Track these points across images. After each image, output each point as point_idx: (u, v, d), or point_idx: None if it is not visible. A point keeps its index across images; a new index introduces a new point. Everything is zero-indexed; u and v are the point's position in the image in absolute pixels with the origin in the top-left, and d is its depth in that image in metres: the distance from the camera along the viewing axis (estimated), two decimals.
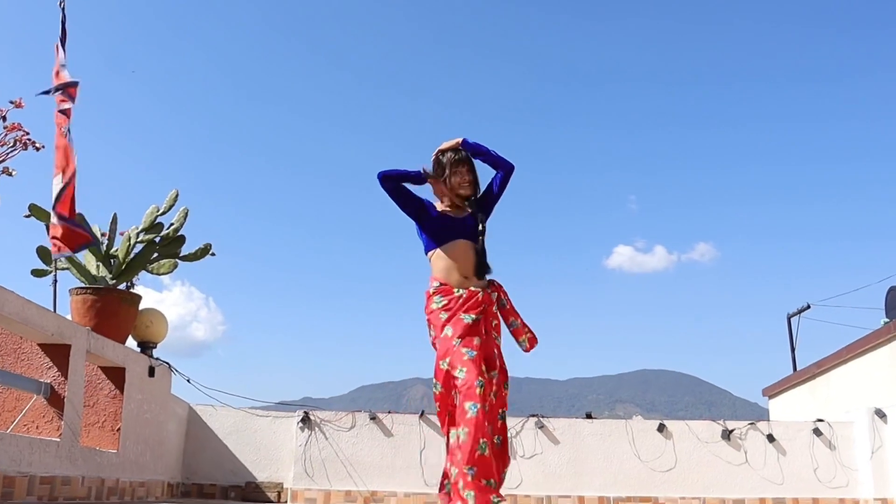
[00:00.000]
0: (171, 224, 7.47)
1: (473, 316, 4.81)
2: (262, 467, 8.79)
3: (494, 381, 4.80)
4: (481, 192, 5.12)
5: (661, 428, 9.02)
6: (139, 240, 7.28)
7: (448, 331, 4.78)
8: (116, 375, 6.65)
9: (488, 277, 5.02)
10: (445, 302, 4.89)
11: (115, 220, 7.32)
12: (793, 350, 19.97)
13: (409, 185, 5.07)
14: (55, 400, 5.59)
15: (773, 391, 16.14)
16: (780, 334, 20.64)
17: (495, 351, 4.90)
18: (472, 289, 4.89)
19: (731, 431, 8.98)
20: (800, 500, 8.75)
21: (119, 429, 6.53)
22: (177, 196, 7.51)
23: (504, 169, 5.08)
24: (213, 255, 7.66)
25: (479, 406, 4.46)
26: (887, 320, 12.67)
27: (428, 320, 4.96)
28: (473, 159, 5.09)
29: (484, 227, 5.02)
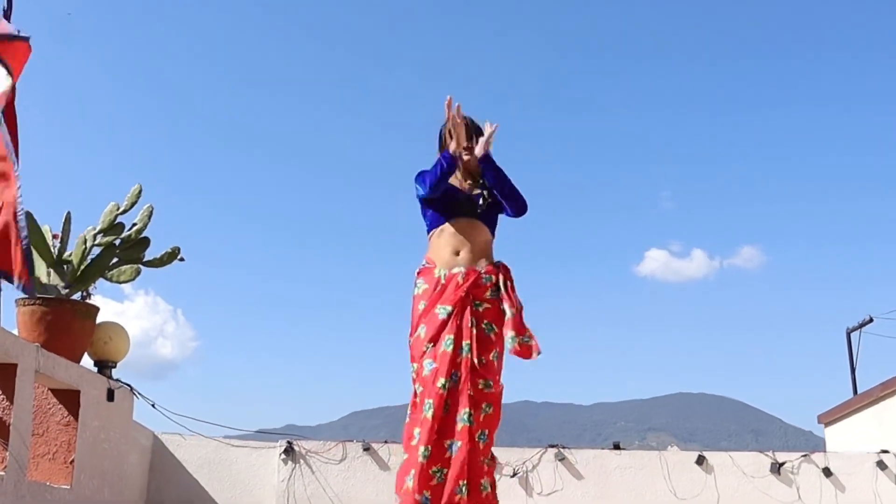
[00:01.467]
0: (134, 224, 7.45)
1: (450, 307, 4.95)
2: None
3: (462, 380, 4.86)
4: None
5: (701, 460, 9.02)
6: (97, 242, 7.27)
7: (422, 330, 5.00)
8: (70, 399, 6.63)
9: (490, 261, 5.17)
10: (426, 286, 5.09)
11: (68, 220, 7.30)
12: (853, 370, 19.95)
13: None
14: None
15: (830, 418, 16.11)
16: (839, 352, 20.60)
17: (468, 348, 4.92)
18: (455, 270, 5.04)
19: (782, 465, 8.98)
20: None
21: (73, 461, 6.51)
22: (140, 192, 7.50)
23: (514, 210, 5.23)
24: (181, 260, 7.66)
25: (421, 432, 4.78)
26: None
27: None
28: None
29: (486, 197, 5.21)
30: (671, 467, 8.98)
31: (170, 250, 7.61)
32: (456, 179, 5.28)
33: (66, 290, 7.09)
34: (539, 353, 5.03)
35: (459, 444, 4.78)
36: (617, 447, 9.29)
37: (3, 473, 5.39)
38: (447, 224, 5.16)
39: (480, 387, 4.88)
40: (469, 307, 4.99)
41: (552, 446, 9.02)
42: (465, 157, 5.19)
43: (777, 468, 8.94)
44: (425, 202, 5.25)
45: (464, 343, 4.90)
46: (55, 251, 7.17)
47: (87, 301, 7.22)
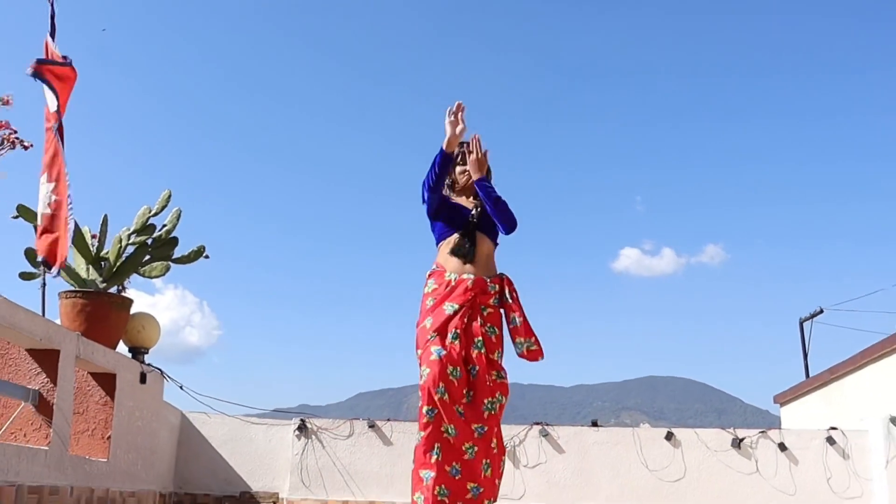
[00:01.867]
0: (164, 225, 7.46)
1: (457, 305, 4.93)
2: (257, 477, 8.80)
3: (474, 376, 4.88)
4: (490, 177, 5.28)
5: (670, 436, 9.02)
6: (130, 242, 7.28)
7: (428, 322, 4.96)
8: (107, 382, 6.64)
9: (494, 272, 5.16)
10: (435, 286, 5.06)
11: (105, 222, 7.31)
12: (805, 356, 20.03)
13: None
14: (44, 407, 5.58)
15: (785, 398, 16.16)
16: (793, 340, 20.65)
17: (481, 344, 4.94)
18: (465, 276, 5.02)
19: (742, 440, 8.98)
20: None
21: (109, 437, 6.52)
22: (169, 196, 7.50)
23: (503, 227, 5.16)
24: (206, 257, 7.66)
25: (434, 411, 4.72)
26: None
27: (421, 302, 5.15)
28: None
29: (477, 216, 5.14)
30: (643, 443, 8.97)
31: (196, 248, 7.61)
32: (461, 199, 5.28)
33: (104, 285, 7.10)
34: (543, 356, 5.09)
35: (486, 429, 4.84)
36: (595, 424, 9.28)
37: (47, 448, 5.40)
38: (452, 236, 5.13)
39: (494, 377, 4.92)
40: (477, 310, 5.01)
41: (537, 424, 9.02)
42: (464, 179, 5.24)
43: (737, 443, 8.93)
44: (433, 217, 5.24)
45: (476, 340, 4.92)
46: (94, 250, 7.18)
47: (123, 294, 7.24)
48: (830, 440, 8.98)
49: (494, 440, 4.93)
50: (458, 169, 5.25)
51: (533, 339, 5.07)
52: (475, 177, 5.15)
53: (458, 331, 4.89)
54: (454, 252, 5.08)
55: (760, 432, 9.09)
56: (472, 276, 5.02)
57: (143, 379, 7.19)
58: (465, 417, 4.78)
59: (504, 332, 5.12)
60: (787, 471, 8.88)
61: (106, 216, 7.33)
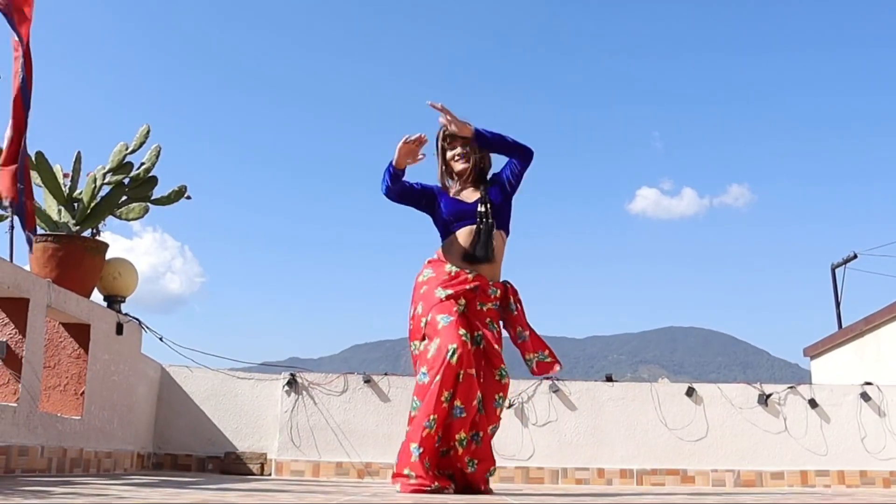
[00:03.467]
0: (142, 164, 7.44)
1: (450, 291, 5.01)
2: (243, 436, 8.84)
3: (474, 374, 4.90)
4: (490, 167, 5.37)
5: (691, 392, 9.03)
6: (106, 181, 7.27)
7: (419, 308, 5.08)
8: (80, 333, 6.66)
9: (498, 276, 5.23)
10: (432, 275, 5.14)
11: (78, 159, 7.29)
12: (838, 305, 20.04)
13: (411, 180, 5.28)
14: (12, 360, 5.60)
15: (815, 351, 16.19)
16: (824, 288, 20.73)
17: (480, 338, 5.05)
18: (467, 270, 5.09)
19: (769, 396, 8.99)
20: (845, 472, 8.76)
21: (83, 392, 6.55)
22: (148, 132, 7.48)
23: (521, 159, 5.24)
24: (188, 198, 7.66)
25: (439, 377, 4.74)
26: None
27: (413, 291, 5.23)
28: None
29: (488, 210, 5.15)
30: (662, 399, 8.98)
31: (177, 189, 7.61)
32: (461, 194, 5.30)
33: (77, 228, 7.10)
34: (560, 366, 5.20)
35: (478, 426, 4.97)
36: (609, 379, 9.28)
37: (15, 405, 5.42)
38: (456, 232, 5.17)
39: (497, 377, 5.04)
40: (474, 304, 5.09)
41: (546, 378, 9.00)
42: (459, 168, 5.27)
43: (764, 399, 8.95)
44: (434, 218, 5.32)
45: (476, 334, 5.01)
46: (66, 190, 7.17)
47: (97, 238, 7.22)
48: (865, 396, 8.99)
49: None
50: (449, 154, 5.29)
51: (546, 351, 5.18)
52: (467, 132, 5.14)
53: (454, 319, 4.90)
54: (467, 258, 5.12)
55: (789, 387, 9.10)
56: (473, 273, 5.08)
57: (119, 330, 7.20)
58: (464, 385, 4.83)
59: (504, 335, 5.24)
60: (818, 429, 8.90)
61: (79, 153, 7.32)
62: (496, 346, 5.06)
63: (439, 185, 5.35)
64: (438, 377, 4.72)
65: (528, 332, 5.17)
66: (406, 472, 4.75)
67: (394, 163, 5.09)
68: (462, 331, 4.80)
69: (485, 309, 5.12)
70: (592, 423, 8.89)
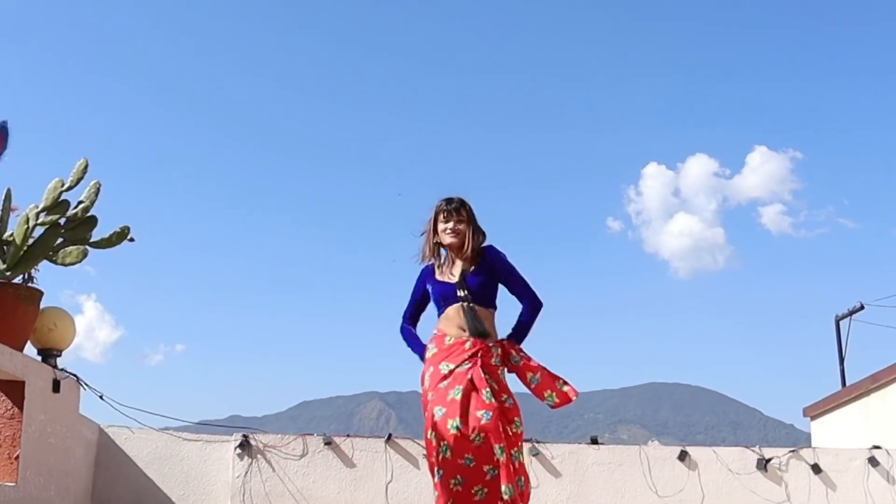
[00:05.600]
0: (80, 202, 7.38)
1: (452, 366, 5.75)
2: (191, 502, 8.80)
3: (475, 442, 5.54)
4: (483, 240, 6.10)
5: (683, 456, 9.08)
6: (40, 221, 7.20)
7: (426, 383, 5.87)
8: (14, 391, 6.59)
9: (495, 337, 5.95)
10: (435, 351, 5.92)
11: (8, 197, 7.23)
12: (842, 360, 20.13)
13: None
14: None
15: (816, 411, 16.26)
16: (826, 341, 20.72)
17: (489, 395, 5.61)
18: (463, 339, 5.81)
19: (769, 461, 9.05)
20: None
21: (17, 456, 6.49)
22: (86, 167, 7.43)
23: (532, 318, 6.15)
24: (131, 240, 7.62)
25: (441, 472, 5.59)
26: None
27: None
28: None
29: (467, 296, 5.91)
30: (652, 463, 9.03)
31: (118, 230, 7.55)
32: (446, 274, 6.08)
33: (8, 273, 7.04)
34: (576, 393, 5.92)
35: (496, 471, 5.59)
36: (595, 442, 9.33)
37: None
38: (446, 310, 5.97)
39: (514, 429, 5.69)
40: (478, 363, 5.71)
41: (526, 441, 9.02)
42: (447, 241, 6.02)
43: (764, 464, 9.01)
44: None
45: (483, 391, 5.60)
46: None
47: (30, 285, 7.17)
48: (873, 461, 9.07)
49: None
50: (441, 227, 6.04)
51: (561, 380, 5.89)
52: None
53: (462, 387, 5.60)
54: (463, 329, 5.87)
55: (790, 451, 9.18)
56: (471, 340, 5.78)
57: (56, 387, 7.14)
58: (474, 465, 5.61)
59: (508, 384, 5.88)
60: (823, 497, 8.97)
61: (9, 190, 7.25)
62: (504, 404, 5.67)
63: (422, 260, 6.17)
64: (441, 471, 5.59)
65: (538, 374, 5.86)
66: None
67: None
68: (450, 422, 5.51)
69: (494, 363, 5.80)
70: (577, 489, 8.93)
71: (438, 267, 6.13)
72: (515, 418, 5.69)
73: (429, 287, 6.14)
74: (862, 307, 20.38)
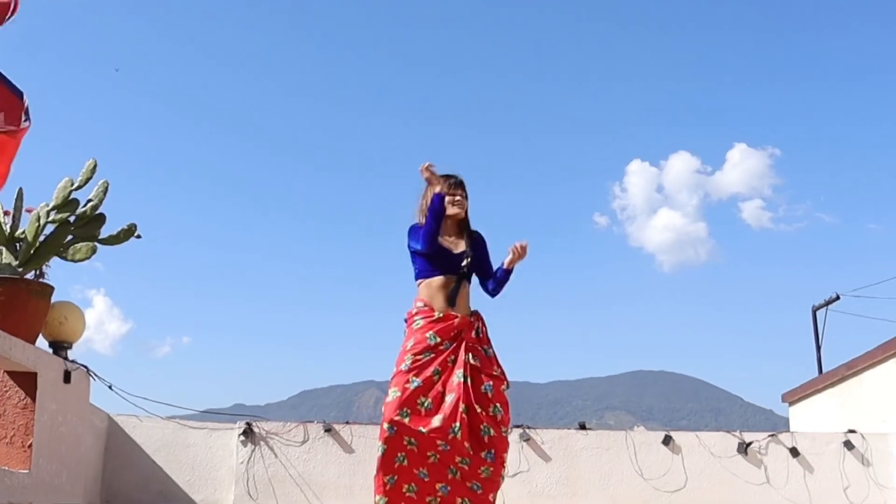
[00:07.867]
0: (89, 200, 7.39)
1: (438, 339, 5.78)
2: (197, 488, 8.83)
3: (462, 413, 5.54)
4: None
5: (668, 440, 9.11)
6: (50, 219, 7.21)
7: (409, 343, 5.81)
8: (27, 382, 6.59)
9: (471, 310, 6.04)
10: (423, 324, 5.87)
11: (20, 196, 7.24)
12: (818, 349, 20.18)
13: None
14: None
15: (794, 397, 16.28)
16: (804, 330, 20.79)
17: (462, 380, 5.67)
18: (451, 313, 5.87)
19: (749, 444, 9.08)
20: None
21: (31, 444, 6.49)
22: (94, 166, 7.44)
23: (493, 292, 6.22)
24: (138, 237, 7.63)
25: (395, 428, 5.52)
26: None
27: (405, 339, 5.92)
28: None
29: (468, 265, 6.00)
30: (638, 448, 9.06)
31: (126, 227, 7.56)
32: (447, 239, 6.04)
33: (21, 269, 7.04)
34: (507, 384, 5.94)
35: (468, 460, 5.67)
36: (583, 427, 9.34)
37: None
38: (436, 277, 5.96)
39: (492, 412, 5.71)
40: (463, 344, 5.77)
41: (517, 426, 9.06)
42: (452, 212, 5.97)
43: (744, 448, 9.04)
44: (416, 253, 6.01)
45: (457, 371, 5.69)
46: (7, 229, 7.11)
47: (42, 280, 7.18)
48: (848, 444, 9.10)
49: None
50: (447, 199, 5.96)
51: (498, 367, 5.92)
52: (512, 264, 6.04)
53: (440, 368, 5.67)
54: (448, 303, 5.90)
55: (770, 436, 9.21)
56: (458, 316, 5.83)
57: (67, 378, 7.16)
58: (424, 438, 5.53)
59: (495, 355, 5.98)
60: (801, 479, 9.00)
61: (21, 190, 7.26)
62: (482, 387, 5.74)
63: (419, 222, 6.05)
64: (384, 446, 5.55)
65: (491, 350, 5.94)
66: None
67: (438, 192, 5.93)
68: (420, 398, 5.59)
69: (469, 345, 5.81)
70: (566, 473, 8.96)
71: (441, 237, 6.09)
72: (497, 404, 5.74)
73: (421, 246, 5.96)
74: (838, 298, 20.42)
